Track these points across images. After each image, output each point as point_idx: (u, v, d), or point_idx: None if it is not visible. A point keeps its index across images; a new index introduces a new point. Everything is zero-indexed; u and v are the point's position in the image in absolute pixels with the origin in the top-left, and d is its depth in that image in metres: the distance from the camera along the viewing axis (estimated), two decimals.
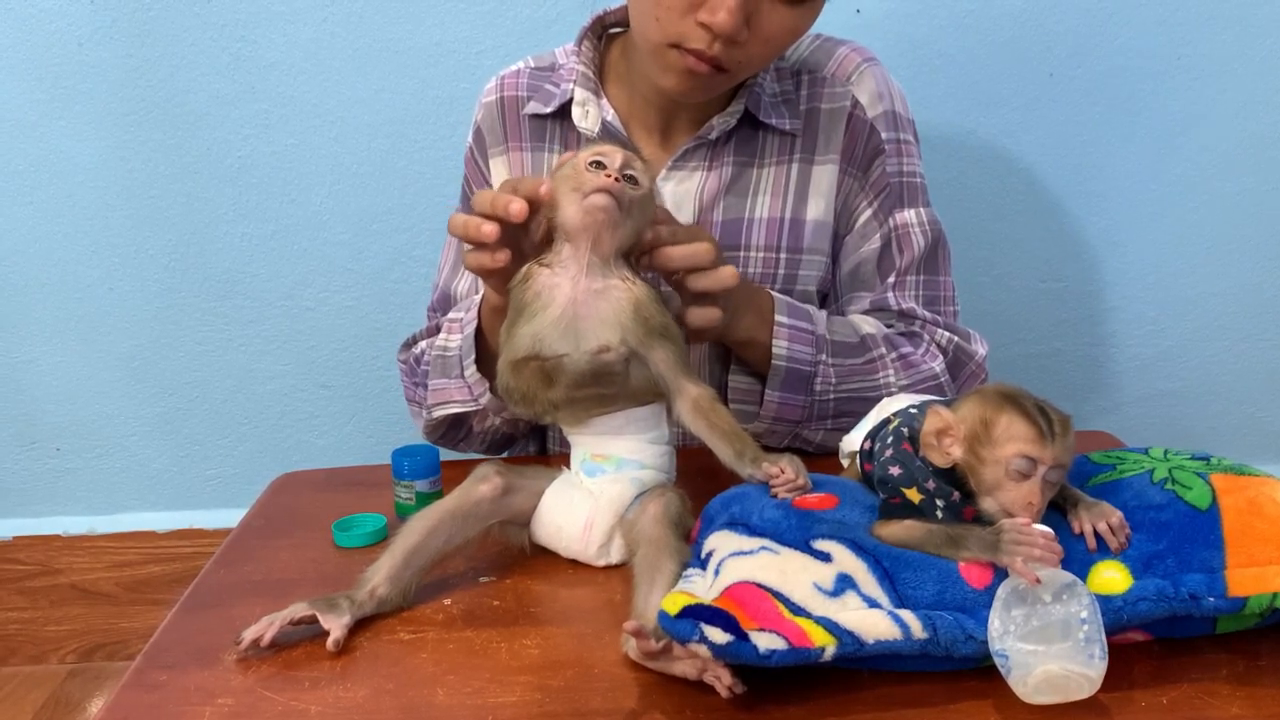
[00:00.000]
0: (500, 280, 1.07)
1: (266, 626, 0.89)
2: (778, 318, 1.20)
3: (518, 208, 1.00)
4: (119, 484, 2.12)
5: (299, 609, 0.91)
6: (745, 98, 1.28)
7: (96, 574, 2.14)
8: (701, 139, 1.29)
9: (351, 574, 0.96)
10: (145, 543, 2.12)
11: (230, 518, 1.24)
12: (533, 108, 1.34)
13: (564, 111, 1.33)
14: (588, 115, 1.31)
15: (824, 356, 1.22)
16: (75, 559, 2.13)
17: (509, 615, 0.95)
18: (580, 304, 0.99)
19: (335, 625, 0.90)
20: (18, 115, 1.90)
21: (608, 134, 1.30)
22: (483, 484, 1.00)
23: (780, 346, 1.20)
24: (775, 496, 0.92)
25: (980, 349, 1.32)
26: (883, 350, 1.25)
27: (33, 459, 2.10)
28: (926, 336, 1.30)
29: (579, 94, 1.32)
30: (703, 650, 0.77)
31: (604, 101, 1.32)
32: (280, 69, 1.87)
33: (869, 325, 1.28)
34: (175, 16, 1.84)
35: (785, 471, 0.93)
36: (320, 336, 2.01)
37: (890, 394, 1.20)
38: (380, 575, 0.94)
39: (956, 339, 1.31)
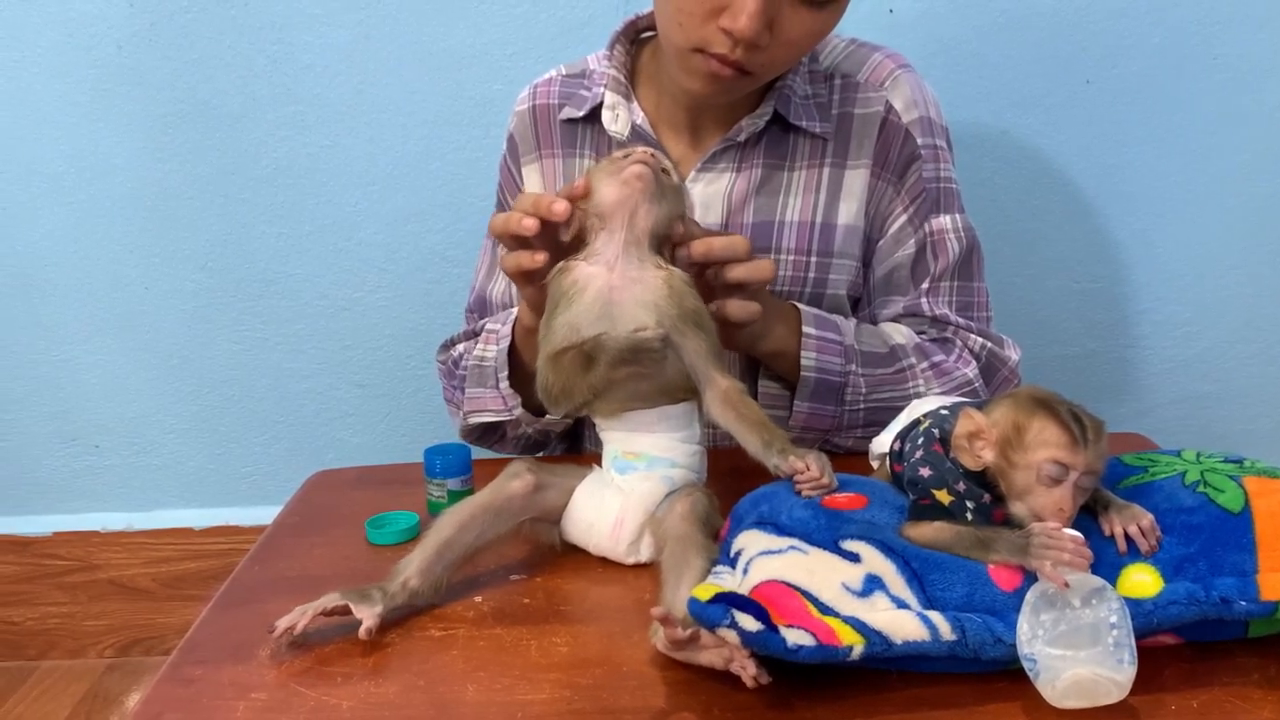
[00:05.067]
0: (538, 292, 1.07)
1: (300, 616, 0.90)
2: (805, 329, 1.21)
3: (561, 206, 1.01)
4: (156, 481, 2.14)
5: (332, 599, 0.92)
6: (774, 99, 1.28)
7: (134, 570, 2.17)
8: (730, 140, 1.29)
9: (384, 571, 0.97)
10: (182, 539, 2.15)
11: (265, 515, 1.25)
12: (566, 113, 1.35)
13: (595, 116, 1.34)
14: (618, 119, 1.32)
15: (854, 367, 1.22)
16: (113, 555, 2.16)
17: (539, 613, 0.95)
18: (616, 289, 1.00)
19: (368, 615, 0.91)
20: (58, 117, 1.92)
21: (637, 137, 1.31)
22: (515, 481, 1.01)
23: (809, 358, 1.20)
24: (800, 494, 0.92)
25: (1013, 354, 1.32)
26: (913, 360, 1.25)
27: (72, 456, 2.13)
28: (959, 342, 1.29)
29: (609, 98, 1.32)
30: (731, 636, 0.77)
31: (634, 105, 1.32)
32: (315, 71, 1.88)
33: (899, 335, 1.28)
34: (212, 19, 1.86)
35: (811, 469, 0.93)
36: (355, 336, 2.03)
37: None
38: (412, 568, 0.95)
39: (989, 345, 1.30)
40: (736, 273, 1.08)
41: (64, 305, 2.03)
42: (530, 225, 1.02)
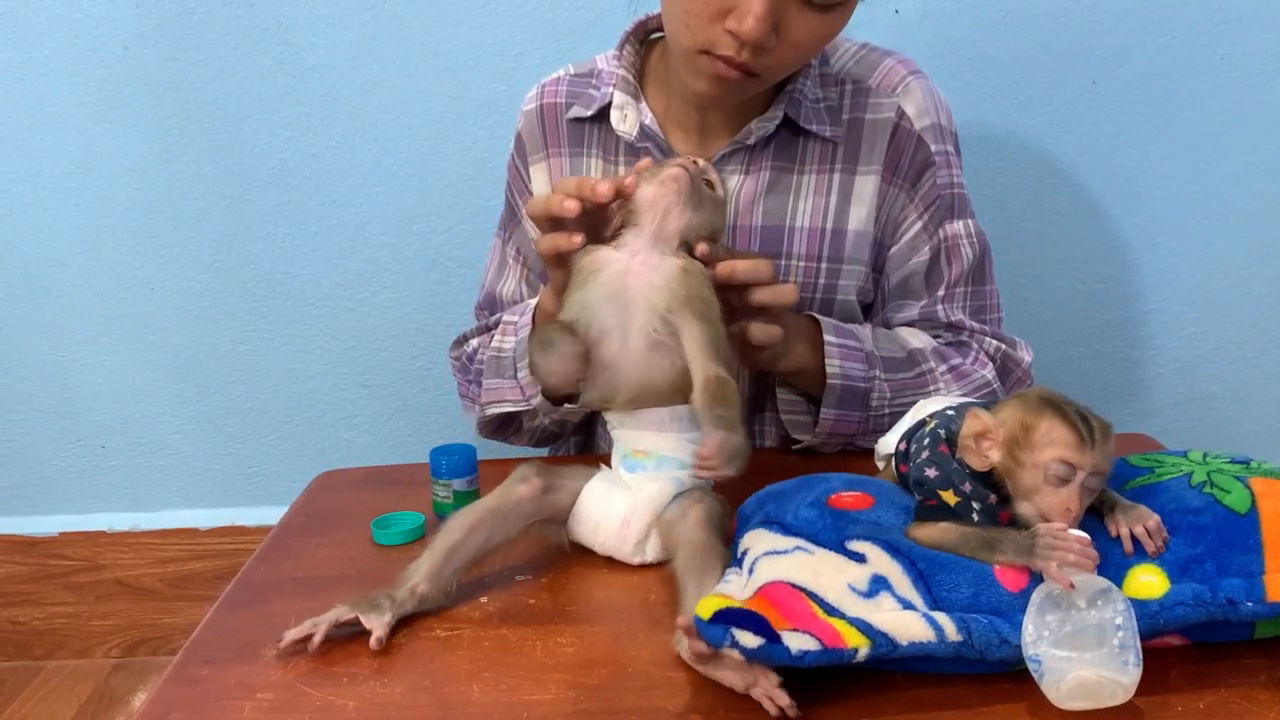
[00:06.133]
0: (567, 271, 1.08)
1: (311, 629, 0.90)
2: (826, 338, 1.21)
3: (605, 188, 1.03)
4: (162, 481, 2.15)
5: (342, 612, 0.92)
6: (784, 103, 1.28)
7: (140, 570, 2.17)
8: (739, 143, 1.29)
9: (390, 571, 0.97)
10: (188, 539, 2.15)
11: (271, 515, 1.25)
12: (575, 112, 1.35)
13: (604, 116, 1.34)
14: (626, 119, 1.32)
15: (877, 372, 1.22)
16: (120, 555, 2.16)
17: (545, 614, 0.95)
18: (632, 273, 1.01)
19: (377, 625, 0.91)
20: (64, 117, 1.93)
21: (645, 137, 1.31)
22: (522, 484, 1.01)
23: (834, 365, 1.20)
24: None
25: (1026, 356, 1.33)
26: (932, 364, 1.26)
27: (78, 456, 2.13)
28: (975, 345, 1.30)
29: (618, 98, 1.32)
30: (735, 655, 0.77)
31: (643, 105, 1.32)
32: (321, 71, 1.89)
33: (916, 339, 1.28)
34: (218, 20, 1.86)
35: (709, 459, 0.91)
36: (360, 336, 2.03)
37: None
38: (421, 573, 0.95)
39: (1004, 347, 1.31)
40: (760, 296, 1.08)
41: (70, 305, 2.03)
42: (572, 206, 1.04)
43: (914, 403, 1.20)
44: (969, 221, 1.33)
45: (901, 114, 1.30)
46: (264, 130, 1.92)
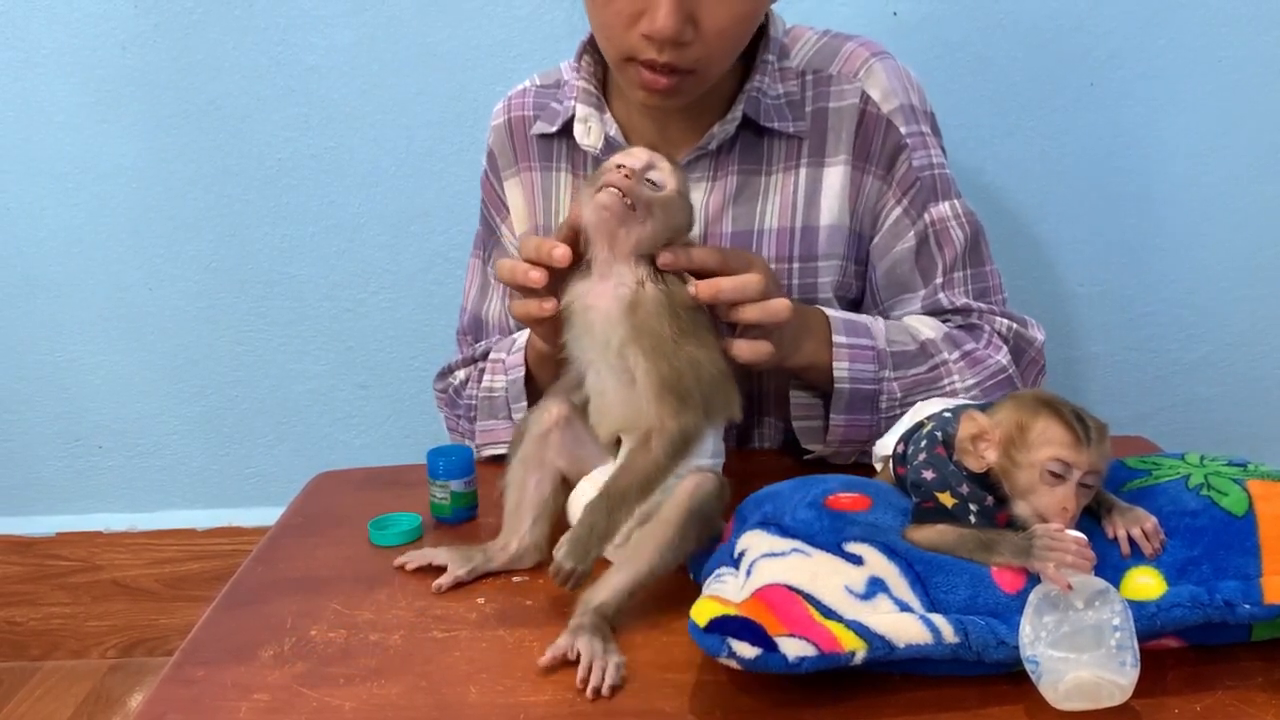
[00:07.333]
0: (549, 330, 1.06)
1: (414, 558, 1.04)
2: (835, 338, 1.16)
3: (560, 252, 0.99)
4: (160, 482, 2.14)
5: (439, 555, 1.03)
6: (743, 103, 1.24)
7: (137, 570, 2.17)
8: (703, 149, 1.26)
9: (387, 572, 0.98)
10: (185, 540, 2.15)
11: (268, 516, 1.25)
12: (539, 127, 1.33)
13: (569, 129, 1.30)
14: (590, 132, 1.28)
15: (886, 372, 1.18)
16: (116, 555, 2.16)
17: (542, 615, 0.95)
18: (591, 307, 0.99)
19: (448, 576, 1.00)
20: (62, 117, 1.93)
21: (611, 150, 1.25)
22: (544, 414, 1.04)
23: (841, 369, 1.16)
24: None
25: (1039, 335, 1.28)
26: (945, 355, 1.21)
27: (75, 456, 2.13)
28: (986, 327, 1.25)
29: (580, 110, 1.29)
30: (732, 665, 0.77)
31: (607, 116, 1.28)
32: (319, 72, 1.88)
33: (927, 328, 1.24)
34: (216, 20, 1.86)
35: (559, 573, 0.92)
36: (358, 337, 2.03)
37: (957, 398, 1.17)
38: (507, 533, 1.03)
39: (1015, 325, 1.26)
40: (749, 315, 1.03)
41: (68, 305, 2.03)
42: (537, 278, 1.00)
43: (929, 399, 1.18)
44: (955, 202, 1.29)
45: (866, 99, 1.26)
46: (262, 130, 1.92)
